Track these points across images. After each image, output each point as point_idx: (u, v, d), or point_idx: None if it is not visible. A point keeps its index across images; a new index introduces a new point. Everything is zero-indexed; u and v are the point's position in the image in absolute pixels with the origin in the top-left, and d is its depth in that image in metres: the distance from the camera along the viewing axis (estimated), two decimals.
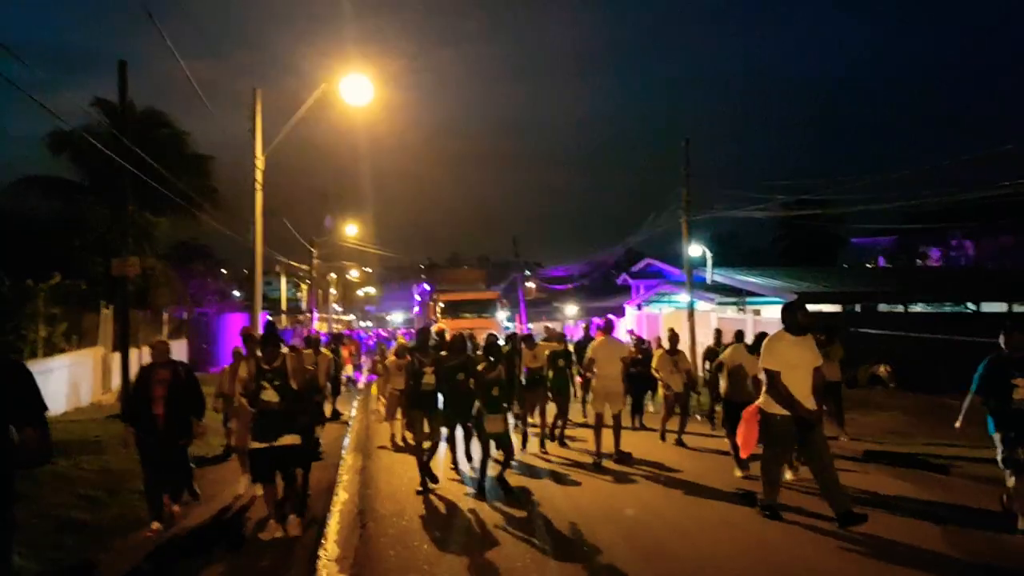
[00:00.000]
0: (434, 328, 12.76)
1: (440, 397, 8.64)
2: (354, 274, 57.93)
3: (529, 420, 11.36)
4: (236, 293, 40.97)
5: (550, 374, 11.13)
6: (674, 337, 11.94)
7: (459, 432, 8.87)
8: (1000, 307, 22.99)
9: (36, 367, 13.45)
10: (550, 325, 30.10)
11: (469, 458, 8.92)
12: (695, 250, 22.90)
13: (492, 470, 8.20)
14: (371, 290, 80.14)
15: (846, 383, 12.50)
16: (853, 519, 6.18)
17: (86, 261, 18.44)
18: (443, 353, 8.89)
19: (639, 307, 31.40)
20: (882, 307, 23.22)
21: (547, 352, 11.31)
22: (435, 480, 8.33)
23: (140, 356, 15.77)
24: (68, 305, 15.64)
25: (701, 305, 23.42)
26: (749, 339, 9.94)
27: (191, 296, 28.44)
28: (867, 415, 13.10)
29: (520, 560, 5.83)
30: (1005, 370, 6.25)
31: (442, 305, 29.92)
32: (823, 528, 6.38)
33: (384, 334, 34.86)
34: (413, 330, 32.04)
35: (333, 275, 50.24)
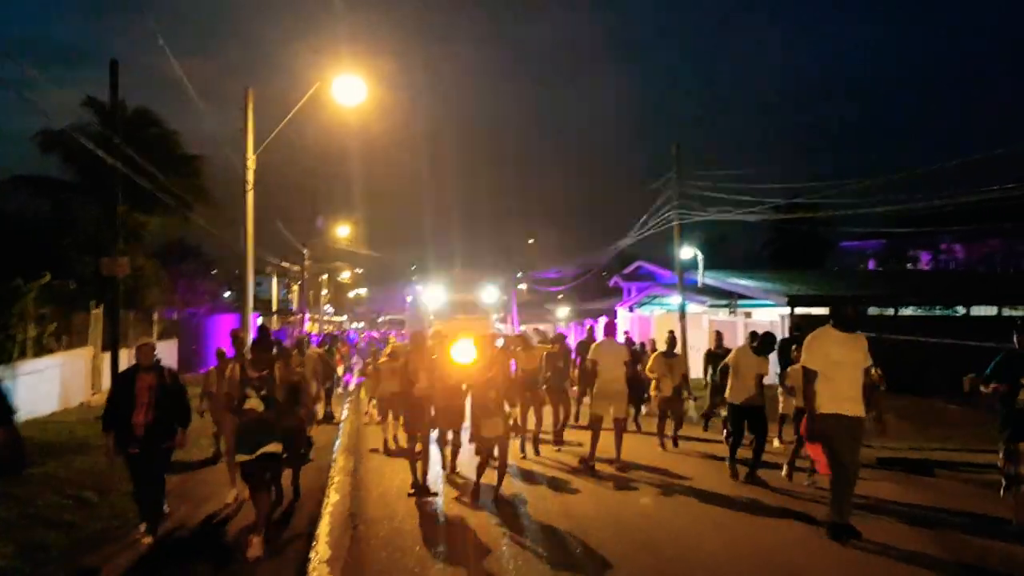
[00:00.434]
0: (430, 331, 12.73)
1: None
2: (346, 275, 57.76)
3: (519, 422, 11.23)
4: (227, 293, 40.73)
5: (547, 376, 11.08)
6: (672, 340, 11.74)
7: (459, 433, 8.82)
8: (990, 310, 23.10)
9: (26, 367, 13.40)
10: (541, 327, 30.03)
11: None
12: (686, 253, 22.95)
13: (486, 474, 8.17)
14: (362, 291, 79.91)
15: None
16: (845, 533, 6.02)
17: (76, 261, 18.30)
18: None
19: (631, 309, 31.42)
20: (872, 310, 23.31)
21: (544, 353, 11.23)
22: (431, 493, 8.10)
23: (130, 356, 15.65)
24: (58, 305, 15.54)
25: (693, 308, 23.45)
26: (740, 341, 9.89)
27: (181, 296, 28.33)
28: None
29: (511, 563, 5.83)
30: (1017, 366, 6.34)
31: (434, 307, 29.92)
32: (822, 530, 6.35)
33: (376, 335, 34.70)
34: (405, 332, 31.99)
35: (324, 276, 50.08)
